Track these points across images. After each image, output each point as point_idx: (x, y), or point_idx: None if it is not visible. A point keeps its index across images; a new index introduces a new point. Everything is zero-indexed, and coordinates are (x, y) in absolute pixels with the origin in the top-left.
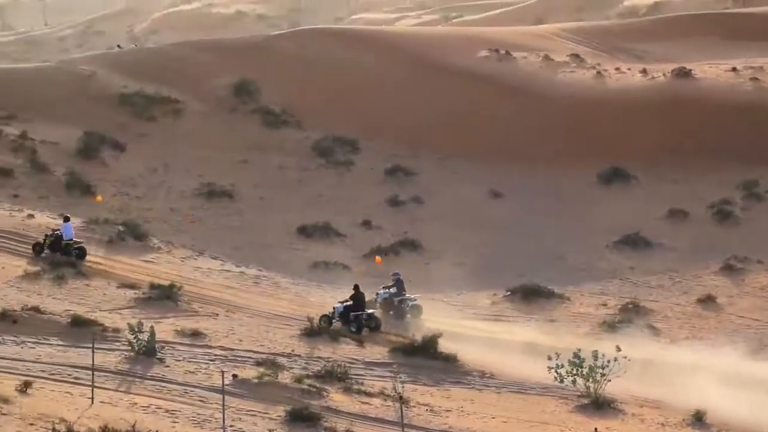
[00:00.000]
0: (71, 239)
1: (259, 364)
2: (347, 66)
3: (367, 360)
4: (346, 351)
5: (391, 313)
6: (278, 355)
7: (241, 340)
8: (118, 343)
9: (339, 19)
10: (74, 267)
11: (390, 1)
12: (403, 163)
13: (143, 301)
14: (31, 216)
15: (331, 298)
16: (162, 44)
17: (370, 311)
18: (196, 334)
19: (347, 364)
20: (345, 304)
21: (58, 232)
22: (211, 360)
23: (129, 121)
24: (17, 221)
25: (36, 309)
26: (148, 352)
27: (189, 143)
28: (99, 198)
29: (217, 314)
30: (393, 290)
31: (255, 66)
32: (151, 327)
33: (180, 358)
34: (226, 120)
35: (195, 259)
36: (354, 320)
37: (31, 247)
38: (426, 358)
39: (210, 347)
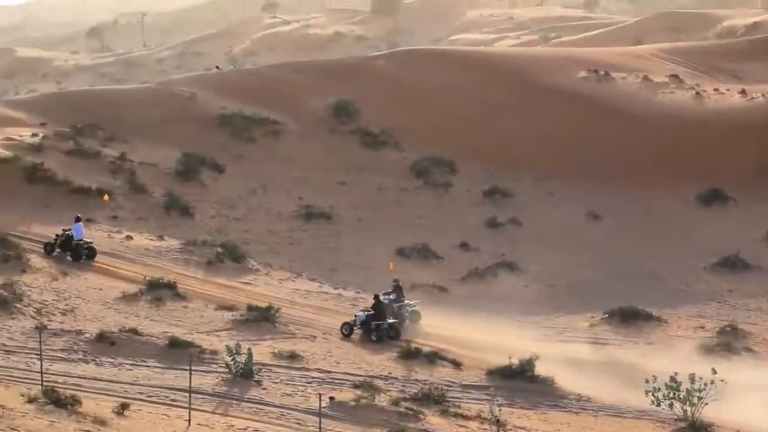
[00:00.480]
0: (81, 239)
1: (356, 386)
2: (445, 86)
3: (464, 383)
4: (443, 373)
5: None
6: (375, 377)
7: (338, 363)
8: (215, 365)
9: (437, 40)
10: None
11: (489, 22)
12: (501, 184)
13: (241, 323)
14: (129, 237)
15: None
16: (260, 65)
17: (390, 321)
18: (293, 356)
19: (444, 387)
20: (367, 313)
21: (69, 232)
22: (309, 382)
23: (228, 143)
24: (116, 243)
25: (134, 331)
26: (245, 374)
27: (288, 164)
28: (105, 197)
29: (315, 336)
30: (393, 296)
31: (353, 87)
32: (249, 349)
33: (277, 380)
34: (324, 141)
35: (293, 280)
36: (375, 329)
37: (42, 247)
38: (523, 380)
39: (307, 369)
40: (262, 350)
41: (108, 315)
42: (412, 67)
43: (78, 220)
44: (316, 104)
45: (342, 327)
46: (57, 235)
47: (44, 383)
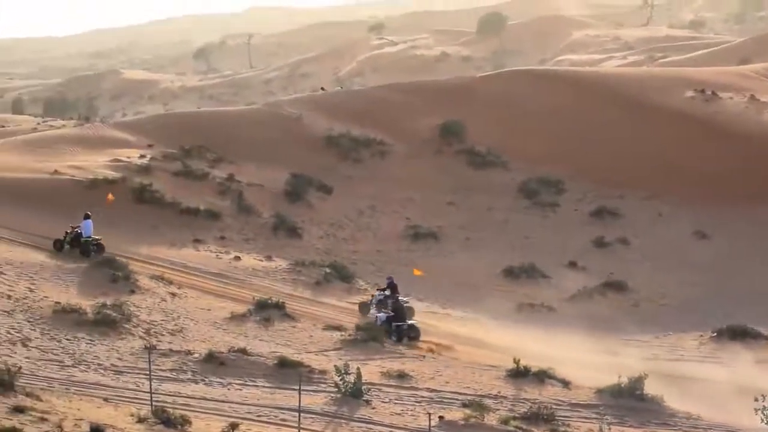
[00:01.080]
0: (90, 236)
1: (465, 405)
2: (552, 106)
3: (573, 401)
4: (551, 392)
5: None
6: (484, 396)
7: (447, 382)
8: (324, 385)
9: (543, 61)
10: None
11: (595, 42)
12: (608, 204)
13: (349, 343)
14: (237, 258)
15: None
16: (367, 86)
17: (411, 322)
18: (402, 375)
19: (553, 406)
20: (387, 314)
21: (77, 229)
22: (418, 402)
23: (335, 163)
24: (224, 263)
25: (243, 351)
26: (354, 393)
27: (395, 185)
28: (110, 196)
29: (423, 356)
30: (387, 293)
31: (460, 107)
32: (358, 368)
33: (386, 399)
34: (431, 161)
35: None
36: (395, 330)
37: (52, 244)
38: (632, 399)
39: (416, 389)
40: (370, 370)
41: (217, 335)
42: (519, 87)
43: (87, 217)
44: (423, 125)
45: (360, 306)
46: (66, 232)
47: (154, 403)
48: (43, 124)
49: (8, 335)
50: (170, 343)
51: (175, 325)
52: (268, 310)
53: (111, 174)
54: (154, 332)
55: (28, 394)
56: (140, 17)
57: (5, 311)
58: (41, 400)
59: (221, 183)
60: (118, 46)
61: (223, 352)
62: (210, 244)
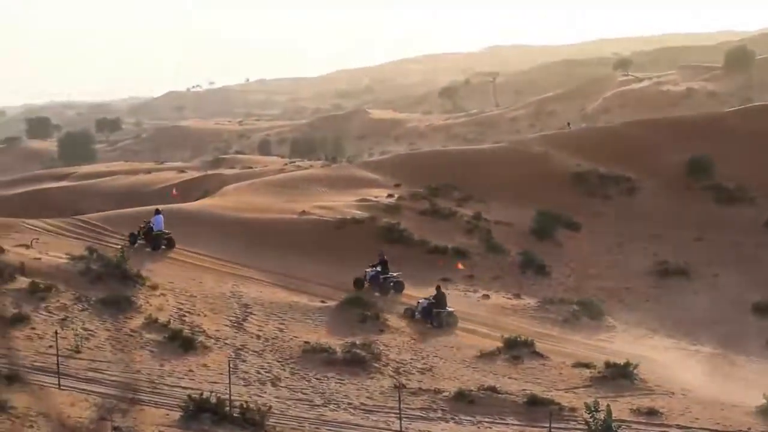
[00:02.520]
0: (161, 230)
1: None
2: None
3: None
4: None
5: (377, 289)
6: None
7: (696, 419)
8: (574, 422)
9: None
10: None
11: None
12: None
13: (599, 380)
14: (486, 296)
15: None
16: (613, 123)
17: (450, 309)
18: (651, 412)
19: None
20: (429, 301)
21: (150, 223)
22: None
23: (582, 200)
24: (472, 302)
25: (492, 389)
26: (604, 431)
27: (643, 221)
28: (459, 266)
29: (673, 393)
30: (378, 269)
31: (707, 143)
32: (608, 406)
33: None
34: (679, 197)
35: (650, 338)
36: (436, 316)
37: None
38: None
39: (666, 425)
40: (620, 407)
41: (466, 374)
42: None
43: (158, 212)
44: (670, 160)
45: (405, 312)
46: (140, 227)
47: None
48: (291, 164)
49: (258, 375)
50: (420, 381)
51: (424, 363)
52: (517, 348)
53: (358, 213)
54: (404, 371)
55: None
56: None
57: (255, 351)
58: None
59: (468, 221)
60: (363, 86)
61: (472, 390)
62: (458, 283)
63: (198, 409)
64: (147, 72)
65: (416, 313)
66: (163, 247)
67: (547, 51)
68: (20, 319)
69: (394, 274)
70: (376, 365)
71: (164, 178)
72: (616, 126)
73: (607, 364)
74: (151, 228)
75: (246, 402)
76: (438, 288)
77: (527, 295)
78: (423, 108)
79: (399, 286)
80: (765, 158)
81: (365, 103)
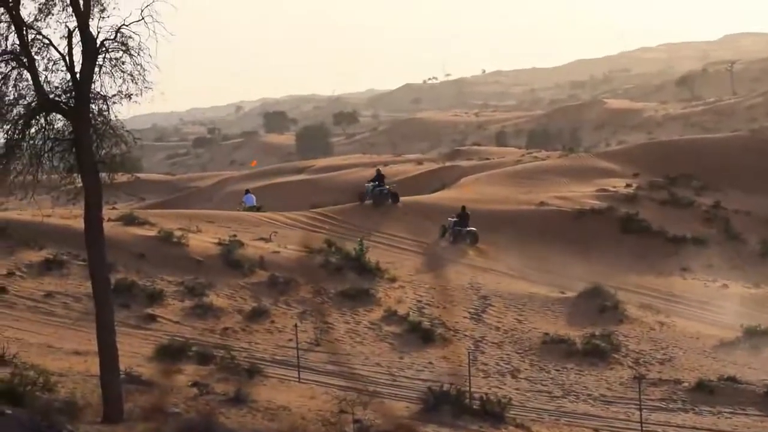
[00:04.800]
0: (253, 205)
1: None
2: None
3: None
4: None
5: (372, 200)
6: None
7: None
8: None
9: None
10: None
11: None
12: None
13: None
14: (725, 286)
15: None
16: None
17: (471, 228)
18: None
19: None
20: (454, 219)
21: (243, 200)
22: None
23: None
24: (711, 291)
25: (732, 379)
26: None
27: None
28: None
29: None
30: (375, 182)
31: None
32: None
33: None
34: None
35: None
36: (457, 234)
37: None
38: None
39: None
40: None
41: (706, 363)
42: None
43: (247, 192)
44: None
45: (440, 230)
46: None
47: None
48: (528, 155)
49: (498, 367)
50: (659, 372)
51: (664, 354)
52: (757, 338)
53: (597, 204)
54: (643, 362)
55: (518, 425)
56: (615, 48)
57: (495, 343)
58: None
59: (707, 211)
60: (601, 75)
61: (712, 381)
62: (697, 273)
63: (438, 401)
64: (383, 65)
65: (448, 233)
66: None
67: None
68: (260, 313)
69: (388, 186)
70: (615, 356)
71: (402, 170)
72: None
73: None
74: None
75: (486, 394)
76: (463, 208)
77: (767, 284)
78: (660, 97)
79: (395, 197)
80: None
81: (602, 93)
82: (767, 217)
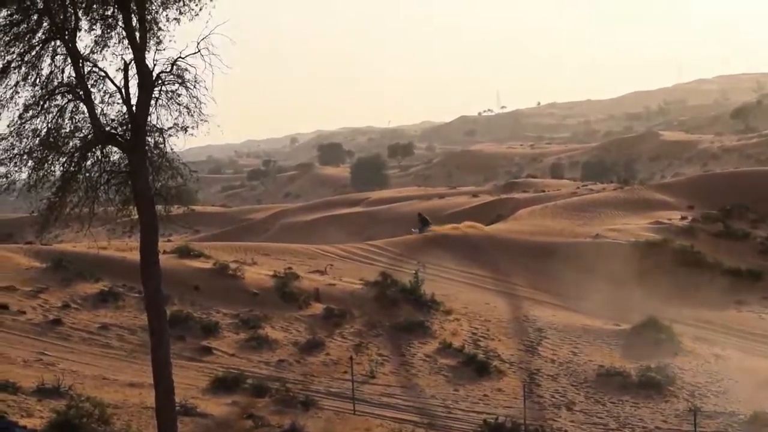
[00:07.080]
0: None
1: None
2: None
3: None
4: None
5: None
6: None
7: None
8: None
9: None
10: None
11: None
12: None
13: None
14: None
15: None
16: None
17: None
18: None
19: None
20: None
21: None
22: None
23: None
24: (766, 324)
25: None
26: None
27: None
28: None
29: None
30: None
31: None
32: None
33: None
34: None
35: None
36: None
37: None
38: None
39: None
40: None
41: (761, 396)
42: None
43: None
44: None
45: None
46: None
47: None
48: (583, 188)
49: (553, 399)
50: (714, 405)
51: (719, 386)
52: None
53: (651, 236)
54: (699, 394)
55: None
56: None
57: (550, 375)
58: None
59: (762, 243)
60: (656, 107)
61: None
62: (753, 305)
63: None
64: (439, 96)
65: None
66: None
67: None
68: (315, 345)
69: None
70: (671, 388)
71: (457, 202)
72: None
73: None
74: None
75: (541, 426)
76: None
77: None
78: (715, 129)
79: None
80: None
81: (657, 125)
82: None
